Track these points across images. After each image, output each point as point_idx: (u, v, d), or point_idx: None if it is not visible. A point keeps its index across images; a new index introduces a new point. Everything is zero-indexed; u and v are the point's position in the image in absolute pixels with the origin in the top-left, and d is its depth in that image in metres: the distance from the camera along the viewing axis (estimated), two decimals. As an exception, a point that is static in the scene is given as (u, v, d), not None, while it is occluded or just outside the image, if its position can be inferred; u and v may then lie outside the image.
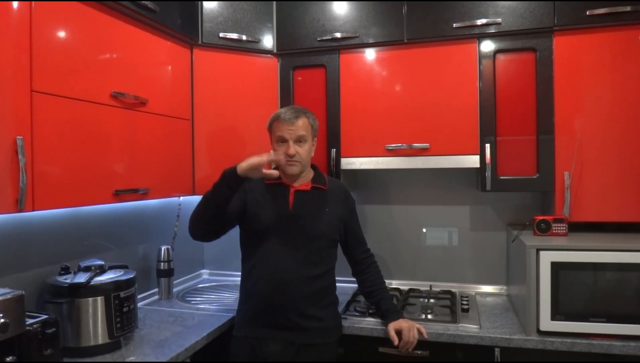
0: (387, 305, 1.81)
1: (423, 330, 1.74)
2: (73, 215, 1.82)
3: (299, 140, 1.70)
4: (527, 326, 1.74)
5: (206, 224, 1.66)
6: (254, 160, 1.53)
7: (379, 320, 1.87)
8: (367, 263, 1.87)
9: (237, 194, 1.66)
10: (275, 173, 1.60)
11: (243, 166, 1.54)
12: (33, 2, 1.35)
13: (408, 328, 1.70)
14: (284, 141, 1.69)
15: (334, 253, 1.82)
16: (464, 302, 2.08)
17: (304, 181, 1.77)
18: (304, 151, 1.71)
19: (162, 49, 1.94)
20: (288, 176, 1.75)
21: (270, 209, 1.72)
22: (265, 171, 1.55)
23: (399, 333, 1.71)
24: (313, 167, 1.83)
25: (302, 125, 1.70)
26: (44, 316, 1.37)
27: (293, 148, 1.68)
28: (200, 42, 2.13)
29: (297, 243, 1.70)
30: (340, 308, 2.02)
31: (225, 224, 1.71)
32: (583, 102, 1.92)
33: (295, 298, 1.67)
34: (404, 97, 2.11)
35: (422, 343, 1.74)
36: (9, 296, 1.21)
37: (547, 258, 1.71)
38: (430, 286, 2.39)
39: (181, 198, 2.39)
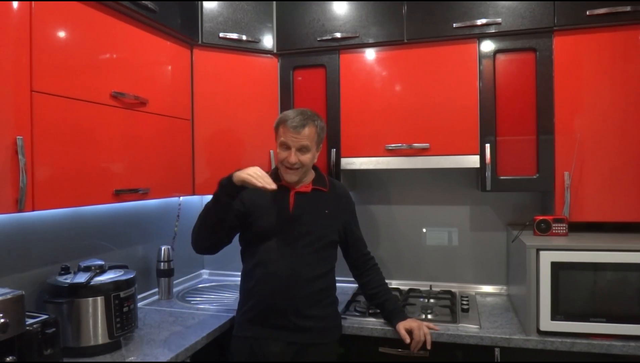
0: (392, 306, 1.81)
1: (433, 326, 1.77)
2: (73, 215, 1.82)
3: (301, 149, 1.66)
4: (527, 326, 1.74)
5: (209, 234, 1.66)
6: (249, 179, 1.50)
7: (378, 320, 1.87)
8: (368, 265, 1.87)
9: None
10: (270, 188, 1.52)
11: (239, 177, 1.52)
12: (33, 2, 1.35)
13: (418, 327, 1.71)
14: (287, 147, 1.67)
15: (334, 253, 1.82)
16: (464, 302, 2.08)
17: (305, 183, 1.77)
18: (306, 159, 1.68)
19: (162, 49, 1.94)
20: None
21: (271, 212, 1.72)
22: (260, 184, 1.50)
23: (409, 332, 1.72)
24: (314, 168, 1.82)
25: (307, 134, 1.66)
26: (44, 317, 1.37)
27: (294, 157, 1.65)
28: (200, 42, 2.13)
29: (297, 245, 1.70)
30: (340, 308, 2.01)
31: (229, 232, 1.71)
32: (583, 102, 1.92)
33: (295, 299, 1.68)
34: (404, 97, 2.11)
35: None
36: (9, 296, 1.21)
37: (547, 258, 1.71)
38: (430, 286, 2.39)
39: (181, 198, 2.39)
